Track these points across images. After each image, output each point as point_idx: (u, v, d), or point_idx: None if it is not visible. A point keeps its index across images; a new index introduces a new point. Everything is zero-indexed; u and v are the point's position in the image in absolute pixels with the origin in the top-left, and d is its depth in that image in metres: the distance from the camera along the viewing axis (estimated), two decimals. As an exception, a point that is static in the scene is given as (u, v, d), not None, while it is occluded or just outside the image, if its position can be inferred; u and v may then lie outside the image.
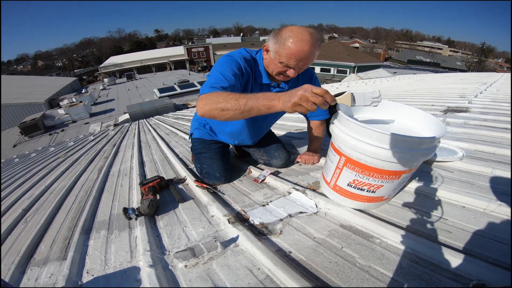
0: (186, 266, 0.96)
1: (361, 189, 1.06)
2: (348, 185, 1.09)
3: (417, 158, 0.93)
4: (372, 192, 1.06)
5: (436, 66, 41.11)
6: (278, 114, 1.69)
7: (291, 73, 1.21)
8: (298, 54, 1.12)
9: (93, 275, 1.01)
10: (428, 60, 45.39)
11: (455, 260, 0.79)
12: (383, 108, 1.22)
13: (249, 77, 1.33)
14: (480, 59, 55.89)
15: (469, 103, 3.04)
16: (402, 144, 0.89)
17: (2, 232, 1.62)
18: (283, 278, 0.83)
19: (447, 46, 67.47)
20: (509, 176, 1.26)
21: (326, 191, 1.26)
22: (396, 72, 21.46)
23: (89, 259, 1.14)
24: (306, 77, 1.51)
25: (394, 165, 0.95)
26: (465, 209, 1.07)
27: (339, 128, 1.04)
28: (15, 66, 72.64)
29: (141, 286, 0.91)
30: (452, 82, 6.38)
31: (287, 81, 1.41)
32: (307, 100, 0.86)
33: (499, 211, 1.01)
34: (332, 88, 9.81)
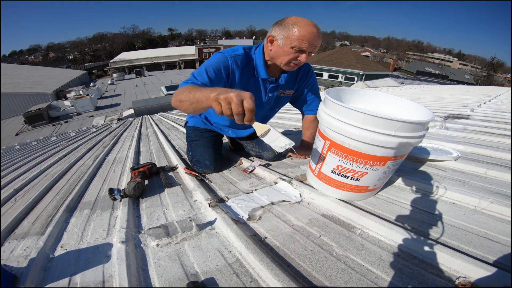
0: (158, 245, 0.93)
1: (345, 176, 1.03)
2: (332, 171, 1.06)
3: (402, 143, 0.90)
4: (357, 180, 1.02)
5: (444, 79, 40.84)
6: (272, 108, 1.66)
7: (303, 58, 1.22)
8: (310, 36, 1.15)
9: (66, 249, 1.00)
10: (437, 72, 45.13)
11: (440, 255, 0.75)
12: (373, 99, 1.21)
13: (242, 74, 1.33)
14: (489, 74, 55.31)
15: (471, 111, 2.99)
16: (386, 126, 0.87)
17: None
18: (252, 262, 0.80)
19: (457, 59, 66.98)
20: (504, 176, 1.22)
21: (312, 179, 1.24)
22: (404, 83, 21.38)
23: (66, 234, 1.12)
24: (304, 71, 1.51)
25: (378, 150, 0.92)
26: (455, 206, 1.04)
27: (325, 111, 1.02)
28: (26, 56, 73.64)
29: (109, 262, 0.89)
30: (458, 94, 6.32)
31: (285, 75, 1.42)
32: (229, 103, 0.82)
33: (490, 208, 0.98)
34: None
